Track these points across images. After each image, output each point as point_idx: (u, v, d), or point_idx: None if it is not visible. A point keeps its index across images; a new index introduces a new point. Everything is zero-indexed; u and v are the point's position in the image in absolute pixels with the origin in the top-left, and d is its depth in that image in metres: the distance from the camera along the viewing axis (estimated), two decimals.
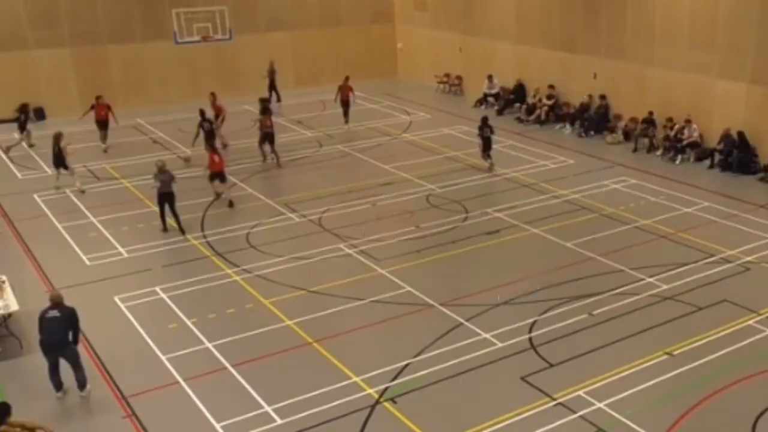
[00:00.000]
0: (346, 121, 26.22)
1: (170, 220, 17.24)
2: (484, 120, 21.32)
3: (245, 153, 23.37)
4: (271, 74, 29.67)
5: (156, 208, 17.47)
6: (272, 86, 29.72)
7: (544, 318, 13.09)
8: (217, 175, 18.82)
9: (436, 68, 32.15)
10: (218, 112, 23.84)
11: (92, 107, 23.89)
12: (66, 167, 19.95)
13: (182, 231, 17.14)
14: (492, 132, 21.18)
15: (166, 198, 17.06)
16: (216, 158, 18.81)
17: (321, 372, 11.64)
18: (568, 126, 25.51)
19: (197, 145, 21.88)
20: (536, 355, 11.98)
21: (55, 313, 10.96)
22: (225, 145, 23.61)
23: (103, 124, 23.91)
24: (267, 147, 22.07)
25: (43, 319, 10.98)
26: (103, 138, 24.00)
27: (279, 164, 22.11)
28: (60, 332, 10.87)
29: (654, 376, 11.29)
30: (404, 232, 17.01)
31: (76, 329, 11.12)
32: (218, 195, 19.09)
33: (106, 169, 22.12)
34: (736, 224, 17.08)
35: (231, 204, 18.86)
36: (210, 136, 21.60)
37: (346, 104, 26.25)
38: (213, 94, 24.30)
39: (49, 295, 11.44)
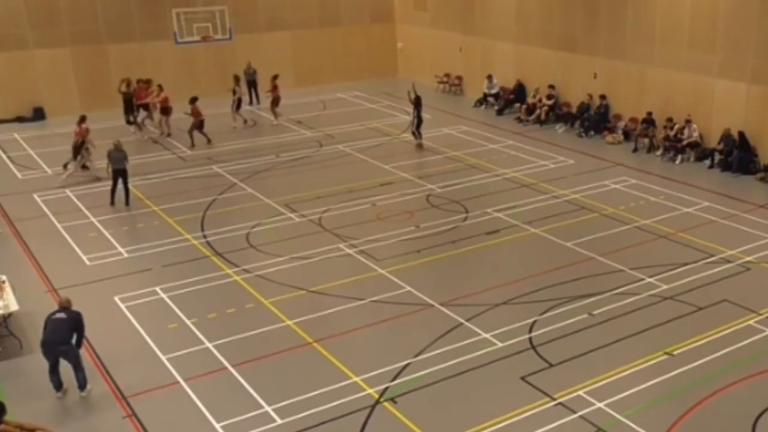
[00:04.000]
0: (276, 117, 26.82)
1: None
2: (419, 99, 23.44)
3: (245, 153, 23.39)
4: (251, 75, 29.42)
5: (159, 208, 17.59)
6: (253, 87, 29.46)
7: (544, 318, 13.09)
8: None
9: (436, 68, 32.15)
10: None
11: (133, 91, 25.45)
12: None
13: (127, 204, 18.96)
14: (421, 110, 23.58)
15: (119, 173, 18.93)
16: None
17: (321, 372, 11.65)
18: (562, 125, 25.57)
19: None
20: (536, 355, 11.98)
21: (61, 315, 11.14)
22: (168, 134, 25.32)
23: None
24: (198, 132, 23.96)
25: (48, 320, 11.14)
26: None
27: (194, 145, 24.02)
28: (62, 333, 10.96)
29: (654, 376, 11.30)
30: (404, 232, 17.01)
31: (81, 333, 11.24)
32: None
33: (106, 169, 22.08)
34: (736, 224, 17.08)
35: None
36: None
37: (275, 102, 26.63)
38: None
39: (58, 300, 11.71)
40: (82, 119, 21.28)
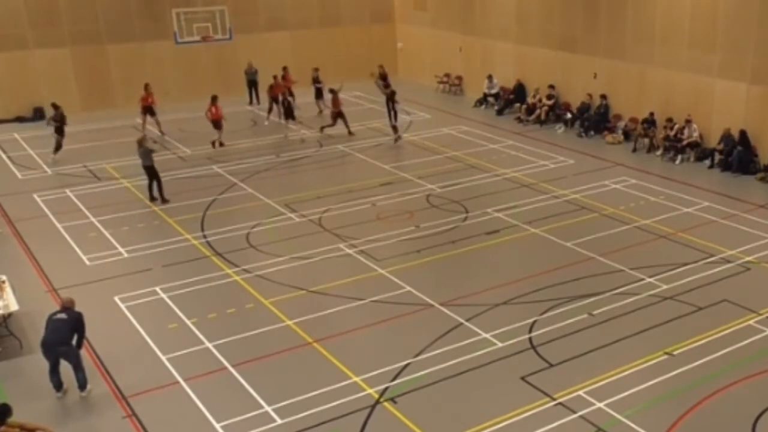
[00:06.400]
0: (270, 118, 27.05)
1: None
2: (393, 94, 24.35)
3: (245, 153, 23.40)
4: (252, 75, 29.40)
5: (159, 208, 17.65)
6: (254, 87, 29.45)
7: (544, 318, 13.09)
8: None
9: (436, 68, 32.16)
10: (146, 102, 25.31)
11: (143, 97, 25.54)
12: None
13: (163, 200, 18.99)
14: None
15: (146, 170, 18.98)
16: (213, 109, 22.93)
17: (321, 372, 11.65)
18: (562, 125, 25.58)
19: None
20: (536, 355, 11.98)
21: (62, 315, 11.15)
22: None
23: (151, 111, 25.53)
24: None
25: (49, 320, 11.16)
26: (156, 123, 25.53)
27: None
28: (62, 333, 10.96)
29: (654, 376, 11.30)
30: (404, 232, 17.01)
31: (81, 334, 11.24)
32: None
33: (106, 169, 22.13)
34: (736, 224, 17.07)
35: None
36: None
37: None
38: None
39: (61, 300, 11.74)
40: (215, 99, 22.58)
